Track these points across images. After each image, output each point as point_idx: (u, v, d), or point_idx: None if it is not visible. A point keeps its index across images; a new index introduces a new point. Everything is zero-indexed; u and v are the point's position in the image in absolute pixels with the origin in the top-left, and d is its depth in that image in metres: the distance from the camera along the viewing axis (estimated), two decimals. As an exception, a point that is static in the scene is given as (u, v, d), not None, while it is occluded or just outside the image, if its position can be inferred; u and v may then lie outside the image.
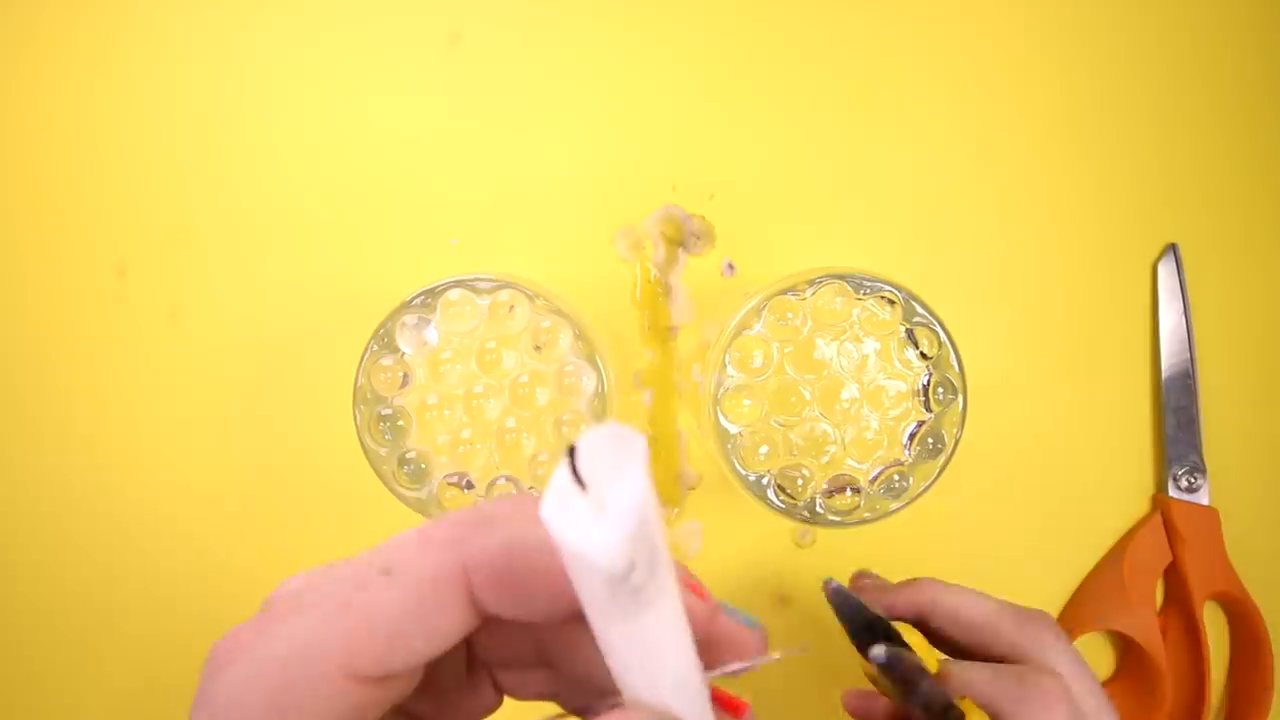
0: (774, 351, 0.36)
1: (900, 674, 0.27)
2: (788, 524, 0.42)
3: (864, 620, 0.29)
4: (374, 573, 0.17)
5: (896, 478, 0.36)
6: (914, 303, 0.35)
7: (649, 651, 0.16)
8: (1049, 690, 0.29)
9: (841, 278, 0.35)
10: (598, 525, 0.14)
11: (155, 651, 0.43)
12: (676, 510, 0.43)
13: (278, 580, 0.45)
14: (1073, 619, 0.42)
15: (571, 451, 0.14)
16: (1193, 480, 0.42)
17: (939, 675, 0.31)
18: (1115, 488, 0.43)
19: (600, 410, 0.37)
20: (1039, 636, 0.31)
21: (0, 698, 0.43)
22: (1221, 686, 0.43)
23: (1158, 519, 0.42)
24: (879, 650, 0.26)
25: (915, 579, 0.34)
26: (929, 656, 0.31)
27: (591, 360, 0.37)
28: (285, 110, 0.43)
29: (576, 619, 0.17)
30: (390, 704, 0.18)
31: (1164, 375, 0.42)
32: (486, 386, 0.36)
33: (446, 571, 0.17)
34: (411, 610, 0.17)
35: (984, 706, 0.29)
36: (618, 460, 0.14)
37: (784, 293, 0.36)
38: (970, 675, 0.30)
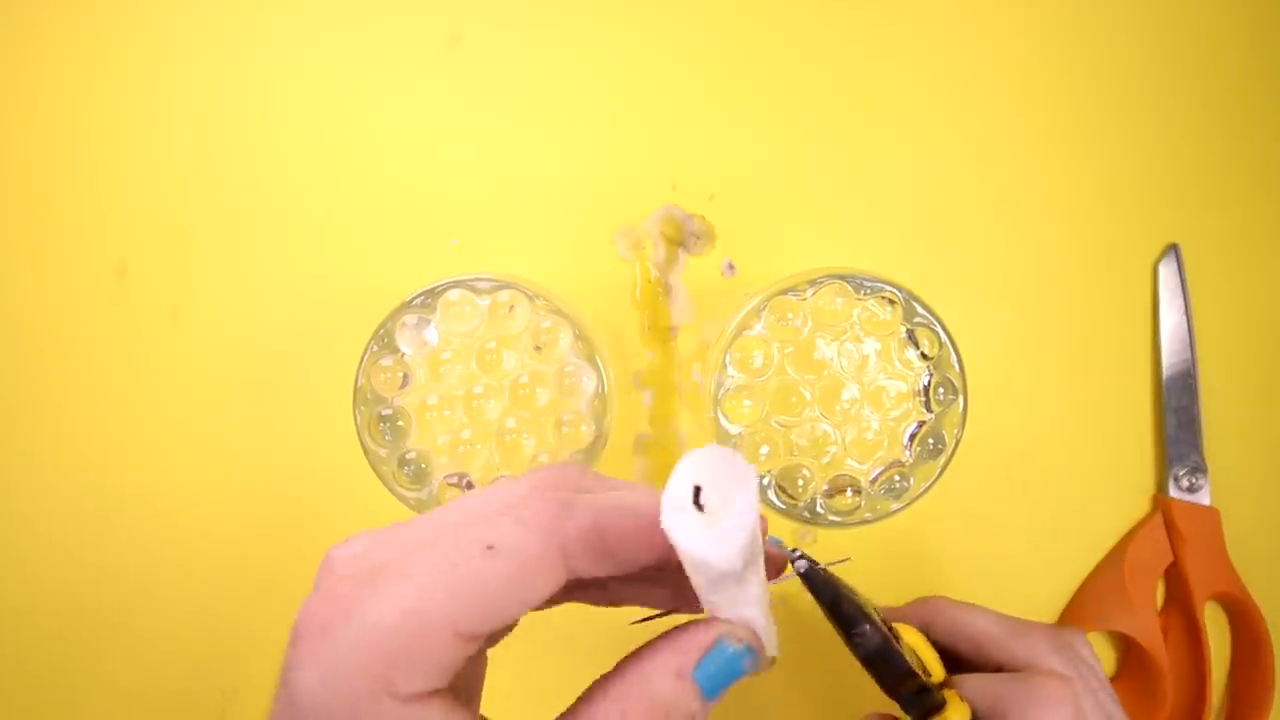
0: (774, 352, 0.36)
1: (825, 596, 0.26)
2: (788, 524, 0.42)
3: (836, 596, 0.27)
4: (477, 549, 0.20)
5: (897, 478, 0.36)
6: (914, 303, 0.35)
7: (742, 603, 0.21)
8: (1054, 690, 0.29)
9: (842, 278, 0.35)
10: (717, 539, 0.18)
11: (154, 649, 0.43)
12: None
13: (279, 579, 0.45)
14: (1073, 619, 0.42)
15: (696, 490, 0.18)
16: (1193, 480, 0.42)
17: (946, 684, 0.31)
18: (1116, 488, 0.43)
19: (600, 410, 0.37)
20: (1034, 647, 0.31)
21: None
22: (1222, 686, 0.43)
23: (1158, 519, 0.42)
24: (801, 563, 0.25)
25: (924, 598, 0.35)
26: (935, 664, 0.31)
27: (591, 360, 0.37)
28: (285, 110, 0.43)
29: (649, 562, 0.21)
30: (478, 651, 0.20)
31: (1165, 375, 0.42)
32: (487, 387, 0.36)
33: (546, 550, 0.20)
34: (515, 582, 0.20)
35: (990, 709, 0.29)
36: (728, 482, 0.18)
37: (784, 293, 0.36)
38: (976, 683, 0.30)
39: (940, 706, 0.29)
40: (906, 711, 0.29)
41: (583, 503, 0.21)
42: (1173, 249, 0.43)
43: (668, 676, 0.20)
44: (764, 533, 0.23)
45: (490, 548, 0.20)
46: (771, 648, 0.22)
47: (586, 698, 0.21)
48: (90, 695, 0.43)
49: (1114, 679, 0.43)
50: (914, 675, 0.28)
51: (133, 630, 0.43)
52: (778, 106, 0.43)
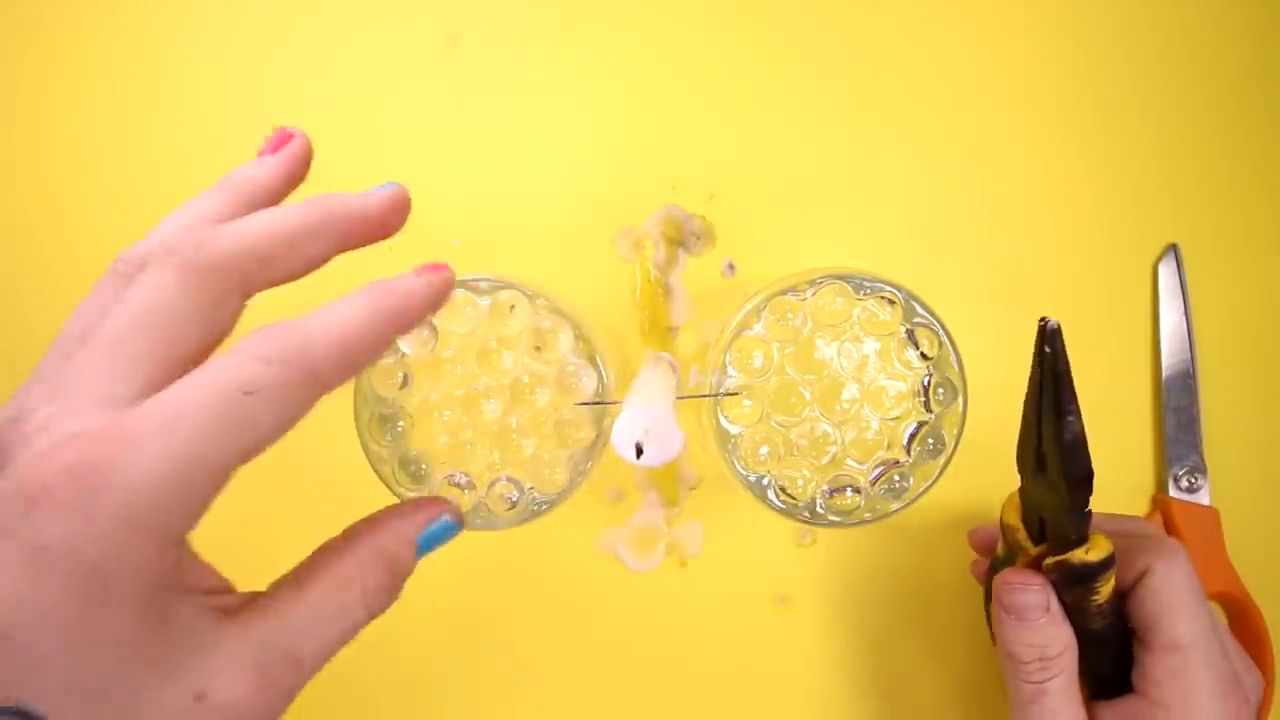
0: (774, 352, 0.36)
1: (1062, 363, 0.26)
2: (788, 524, 0.42)
3: (1070, 369, 0.26)
4: (235, 394, 0.20)
5: (897, 478, 0.36)
6: (914, 303, 0.35)
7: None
8: (1175, 544, 0.32)
9: (841, 278, 0.35)
10: (648, 462, 0.28)
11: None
12: (677, 510, 0.43)
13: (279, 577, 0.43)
14: (1073, 619, 0.42)
15: (638, 449, 0.28)
16: (1193, 480, 0.42)
17: None
18: (1115, 488, 0.43)
19: (600, 410, 0.37)
20: (1135, 524, 0.36)
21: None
22: (1222, 686, 0.43)
23: (1158, 519, 0.42)
24: (1054, 321, 0.26)
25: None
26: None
27: (591, 360, 0.37)
28: (285, 110, 0.43)
29: None
30: None
31: (1164, 375, 0.42)
32: (487, 387, 0.36)
33: (299, 381, 0.22)
34: (280, 417, 0.21)
35: (1118, 553, 0.30)
36: (662, 431, 0.27)
37: (784, 293, 0.36)
38: (1101, 519, 0.34)
39: (1087, 538, 0.30)
40: (1068, 527, 0.29)
41: (316, 331, 0.22)
42: (1173, 249, 0.43)
43: (400, 543, 0.25)
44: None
45: (247, 393, 0.20)
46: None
47: (322, 560, 0.24)
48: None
49: (1114, 679, 0.43)
50: (1092, 479, 0.27)
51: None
52: (778, 106, 0.43)
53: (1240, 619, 0.42)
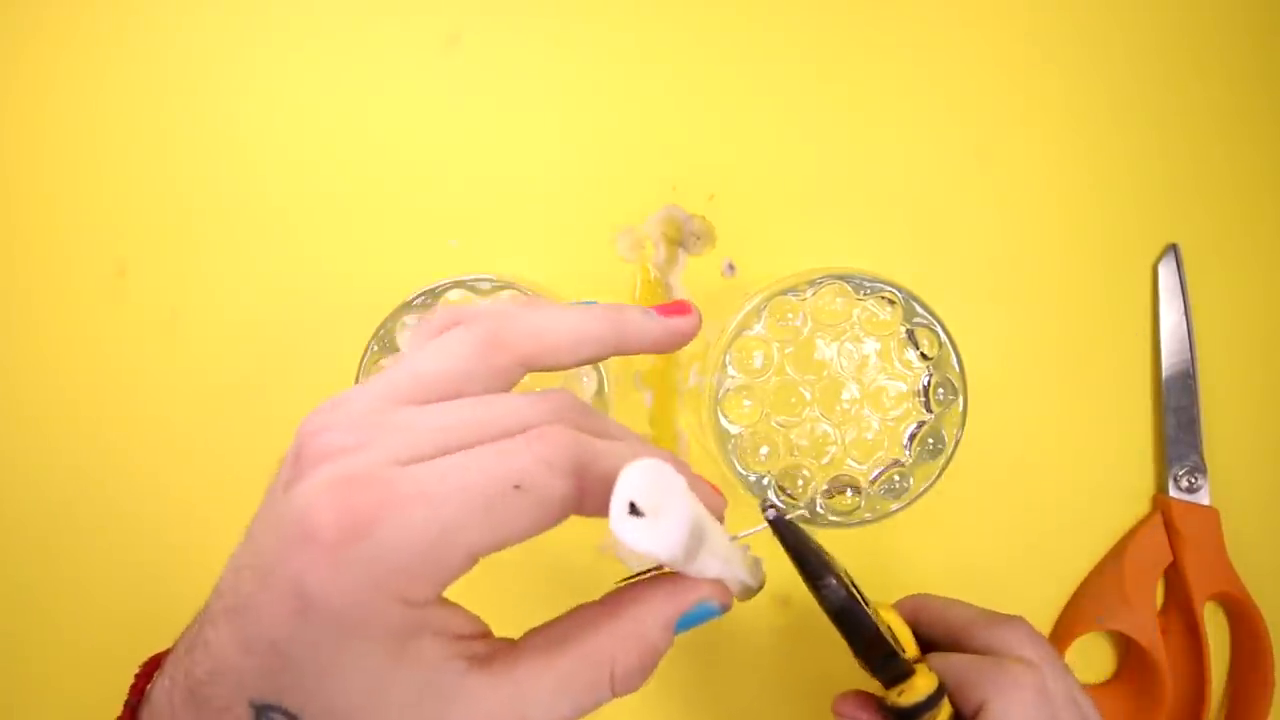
0: (774, 352, 0.36)
1: (789, 543, 0.26)
2: (788, 524, 0.42)
3: (801, 546, 0.27)
4: (507, 486, 0.20)
5: (897, 478, 0.36)
6: (914, 303, 0.35)
7: (702, 569, 0.23)
8: (1021, 673, 0.30)
9: (841, 278, 0.35)
10: (658, 538, 0.20)
11: (153, 648, 0.43)
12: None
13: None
14: (1073, 619, 0.42)
15: (632, 505, 0.20)
16: (1193, 480, 0.42)
17: (918, 661, 0.31)
18: (1115, 488, 0.43)
19: (600, 410, 0.37)
20: (1007, 636, 0.32)
21: (3, 697, 0.43)
22: (1221, 687, 0.43)
23: (1158, 519, 0.42)
24: (770, 511, 0.26)
25: (910, 595, 0.36)
26: (909, 643, 0.32)
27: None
28: (285, 110, 0.43)
29: None
30: None
31: (1164, 375, 0.42)
32: (487, 387, 0.36)
33: (567, 495, 0.21)
34: (534, 519, 0.21)
35: (957, 684, 0.30)
36: (662, 490, 0.20)
37: (784, 293, 0.36)
38: (947, 660, 0.31)
39: (909, 675, 0.29)
40: (876, 677, 0.29)
41: (604, 451, 0.22)
42: (1172, 249, 0.43)
43: (659, 625, 0.23)
44: (723, 504, 0.26)
45: (518, 487, 0.20)
46: (754, 580, 0.26)
47: (578, 628, 0.23)
48: (92, 693, 0.43)
49: (1113, 679, 0.43)
50: (881, 637, 0.28)
51: (131, 632, 0.43)
52: (778, 106, 0.43)
53: (1240, 619, 0.42)
